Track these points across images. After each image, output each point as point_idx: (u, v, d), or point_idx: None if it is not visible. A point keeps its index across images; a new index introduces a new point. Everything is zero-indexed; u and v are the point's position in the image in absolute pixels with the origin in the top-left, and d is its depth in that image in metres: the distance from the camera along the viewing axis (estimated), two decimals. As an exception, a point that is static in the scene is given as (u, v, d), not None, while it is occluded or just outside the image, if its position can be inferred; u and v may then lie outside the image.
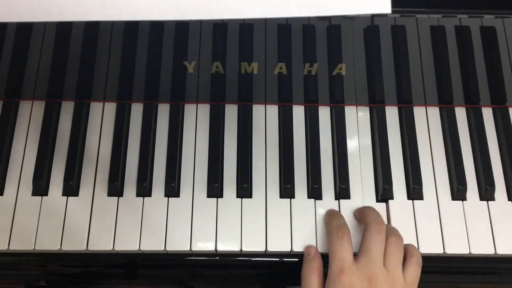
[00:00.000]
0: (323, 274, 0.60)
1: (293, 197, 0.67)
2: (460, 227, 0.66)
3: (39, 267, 0.67)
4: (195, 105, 0.72)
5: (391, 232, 0.60)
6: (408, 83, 0.70)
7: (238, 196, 0.67)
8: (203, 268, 0.67)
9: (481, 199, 0.68)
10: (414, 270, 0.59)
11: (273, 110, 0.72)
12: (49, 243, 0.63)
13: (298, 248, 0.64)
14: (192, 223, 0.65)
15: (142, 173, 0.66)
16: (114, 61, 0.68)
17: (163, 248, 0.63)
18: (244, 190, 0.66)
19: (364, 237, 0.59)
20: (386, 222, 0.66)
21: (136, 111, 0.71)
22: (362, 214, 0.63)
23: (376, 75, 0.69)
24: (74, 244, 0.63)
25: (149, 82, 0.69)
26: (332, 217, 0.63)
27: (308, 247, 0.63)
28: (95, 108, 0.71)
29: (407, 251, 0.61)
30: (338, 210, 0.66)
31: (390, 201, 0.67)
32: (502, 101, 0.72)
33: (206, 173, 0.67)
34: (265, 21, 0.65)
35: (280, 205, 0.66)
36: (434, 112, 0.72)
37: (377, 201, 0.67)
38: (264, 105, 0.72)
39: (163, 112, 0.71)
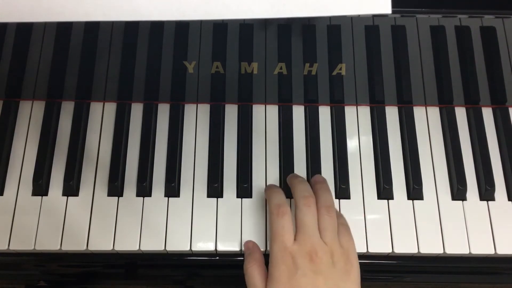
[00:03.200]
0: (264, 264, 0.60)
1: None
2: (460, 227, 0.66)
3: (39, 267, 0.67)
4: (195, 105, 0.72)
5: (321, 204, 0.60)
6: (408, 83, 0.69)
7: (238, 196, 0.67)
8: (203, 268, 0.67)
9: (481, 199, 0.68)
10: (347, 236, 0.59)
11: (273, 110, 0.72)
12: (49, 243, 0.63)
13: (298, 248, 0.64)
14: (192, 223, 0.65)
15: (142, 173, 0.66)
16: (114, 61, 0.68)
17: (163, 248, 0.63)
18: (244, 190, 0.66)
19: (296, 214, 0.59)
20: (386, 222, 0.66)
21: (136, 111, 0.71)
22: (291, 187, 0.63)
23: (376, 75, 0.69)
24: (74, 244, 0.63)
25: (149, 82, 0.69)
26: (271, 193, 0.62)
27: (246, 243, 0.63)
28: (95, 108, 0.71)
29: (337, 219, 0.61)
30: (337, 209, 0.66)
31: (390, 201, 0.67)
32: (502, 101, 0.72)
33: (206, 173, 0.67)
34: (265, 21, 0.65)
35: (280, 205, 0.66)
36: (434, 112, 0.72)
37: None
38: (264, 105, 0.72)
39: (163, 112, 0.71)
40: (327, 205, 0.60)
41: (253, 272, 0.59)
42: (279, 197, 0.61)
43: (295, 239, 0.57)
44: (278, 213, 0.58)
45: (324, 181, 0.64)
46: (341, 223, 0.61)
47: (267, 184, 0.67)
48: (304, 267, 0.55)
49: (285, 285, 0.55)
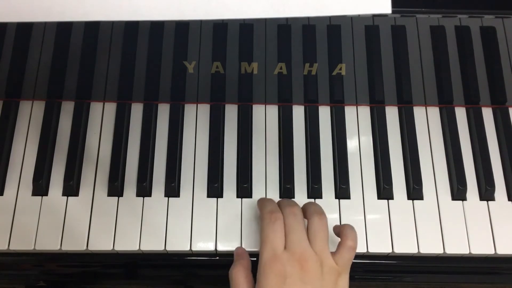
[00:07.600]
0: (250, 270, 0.59)
1: (293, 197, 0.67)
2: (460, 227, 0.66)
3: (39, 267, 0.67)
4: (195, 105, 0.72)
5: (312, 213, 0.59)
6: (408, 83, 0.70)
7: (238, 196, 0.67)
8: (203, 268, 0.67)
9: (481, 199, 0.68)
10: (347, 254, 0.58)
11: (273, 110, 0.72)
12: (49, 243, 0.63)
13: (298, 248, 0.64)
14: (192, 223, 0.65)
15: (142, 173, 0.66)
16: (114, 61, 0.68)
17: (163, 248, 0.63)
18: (244, 190, 0.66)
19: (284, 221, 0.58)
20: (386, 222, 0.66)
21: (136, 111, 0.71)
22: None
23: (376, 75, 0.69)
24: (74, 244, 0.63)
25: (149, 82, 0.69)
26: (264, 202, 0.61)
27: (237, 249, 0.63)
28: (95, 108, 0.71)
29: (342, 233, 0.59)
30: (337, 210, 0.66)
31: (390, 201, 0.67)
32: (502, 101, 0.72)
33: (206, 173, 0.67)
34: (265, 21, 0.65)
35: (280, 205, 0.66)
36: (434, 112, 0.72)
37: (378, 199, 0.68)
38: (264, 105, 0.72)
39: (163, 112, 0.71)
40: (318, 211, 0.59)
41: (239, 277, 0.58)
42: (272, 204, 0.61)
43: (285, 247, 0.56)
44: (270, 218, 0.58)
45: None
46: (348, 243, 0.58)
47: (266, 193, 0.67)
48: (293, 276, 0.54)
49: None
